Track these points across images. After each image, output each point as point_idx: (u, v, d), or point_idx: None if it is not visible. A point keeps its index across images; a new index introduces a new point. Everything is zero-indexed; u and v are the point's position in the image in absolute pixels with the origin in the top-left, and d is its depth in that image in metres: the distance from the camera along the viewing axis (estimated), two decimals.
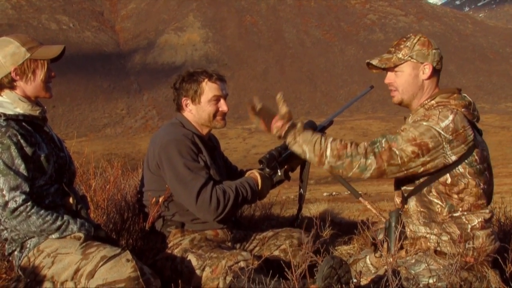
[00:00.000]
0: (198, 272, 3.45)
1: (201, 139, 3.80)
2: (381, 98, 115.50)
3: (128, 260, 2.97)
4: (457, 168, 3.20)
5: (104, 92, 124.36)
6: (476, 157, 3.23)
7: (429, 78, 3.38)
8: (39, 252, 3.12)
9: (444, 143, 3.13)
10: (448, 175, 3.21)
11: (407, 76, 3.41)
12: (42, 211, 3.11)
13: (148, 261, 3.59)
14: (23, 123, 3.23)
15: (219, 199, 3.52)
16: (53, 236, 3.15)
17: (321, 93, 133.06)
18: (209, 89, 3.80)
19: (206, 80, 3.81)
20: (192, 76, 3.84)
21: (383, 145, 3.17)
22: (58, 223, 3.15)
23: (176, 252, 3.61)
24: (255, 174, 3.84)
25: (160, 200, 3.69)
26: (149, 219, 3.75)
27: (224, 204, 3.54)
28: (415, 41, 3.40)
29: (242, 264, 3.34)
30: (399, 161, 3.13)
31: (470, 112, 3.32)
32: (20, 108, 3.23)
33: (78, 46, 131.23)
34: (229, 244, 3.81)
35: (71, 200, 3.37)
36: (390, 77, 3.49)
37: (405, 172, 3.19)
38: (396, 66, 3.44)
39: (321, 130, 4.14)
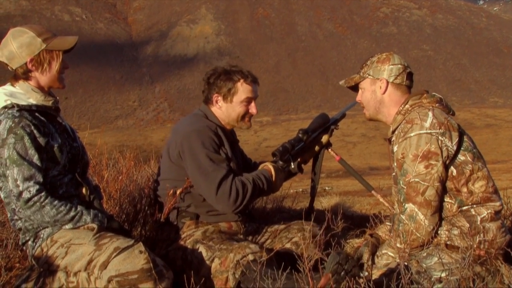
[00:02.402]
0: (207, 263, 3.46)
1: (224, 131, 3.80)
2: None
3: (141, 252, 2.98)
4: (457, 157, 3.26)
5: (116, 84, 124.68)
6: (469, 142, 3.32)
7: (385, 92, 3.50)
8: (53, 242, 3.14)
9: (439, 137, 3.20)
10: (452, 167, 3.25)
11: (366, 92, 3.58)
12: (56, 202, 3.12)
13: (161, 252, 3.60)
14: (36, 114, 3.24)
15: (238, 191, 3.52)
16: (67, 226, 3.17)
17: (333, 87, 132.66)
18: (243, 90, 3.78)
19: (241, 80, 3.78)
20: (228, 74, 3.81)
21: (403, 186, 3.26)
22: (72, 213, 3.16)
23: (188, 243, 3.62)
24: (269, 166, 3.84)
25: (178, 192, 3.69)
26: (164, 210, 3.76)
27: (242, 197, 3.54)
28: (374, 59, 3.55)
29: (250, 257, 3.34)
30: (426, 183, 3.19)
31: (444, 106, 3.43)
32: (33, 98, 3.25)
33: (90, 38, 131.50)
34: (241, 236, 3.82)
35: (84, 190, 3.39)
36: (358, 95, 3.66)
37: (440, 185, 3.22)
38: (357, 84, 3.62)
39: (334, 123, 4.18)
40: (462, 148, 3.27)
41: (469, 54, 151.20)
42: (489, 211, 3.25)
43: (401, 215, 3.25)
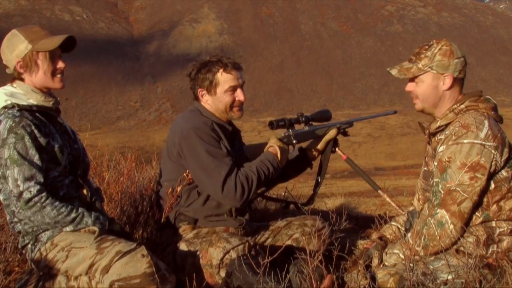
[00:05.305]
0: (189, 259, 3.44)
1: (220, 126, 3.76)
2: (399, 90, 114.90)
3: (143, 256, 2.97)
4: (500, 172, 3.20)
5: (118, 84, 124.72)
6: None
7: (449, 88, 3.36)
8: (53, 245, 3.13)
9: (492, 150, 3.12)
10: (492, 181, 3.20)
11: (426, 86, 3.40)
12: (57, 203, 3.12)
13: (158, 257, 3.58)
14: (37, 114, 3.25)
15: (244, 186, 3.50)
16: (67, 228, 3.16)
17: (338, 86, 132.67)
18: (224, 80, 3.73)
19: (221, 70, 3.73)
20: (206, 66, 3.77)
21: (441, 190, 3.18)
22: (73, 215, 3.16)
23: (178, 245, 3.60)
24: (275, 147, 3.80)
25: (178, 189, 3.66)
26: (164, 211, 3.74)
27: (248, 190, 3.52)
28: (436, 50, 3.36)
29: (233, 254, 3.32)
30: (466, 195, 3.12)
31: (497, 114, 3.34)
32: (33, 99, 3.25)
33: (91, 38, 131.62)
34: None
35: (85, 191, 3.38)
36: (410, 85, 3.49)
37: (478, 199, 3.17)
38: (416, 76, 3.43)
39: (345, 123, 4.18)
40: (507, 164, 3.21)
41: (475, 53, 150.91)
42: (510, 226, 3.22)
43: (430, 218, 3.19)
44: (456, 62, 3.33)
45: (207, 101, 3.79)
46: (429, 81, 3.38)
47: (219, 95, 3.75)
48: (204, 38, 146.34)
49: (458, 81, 3.38)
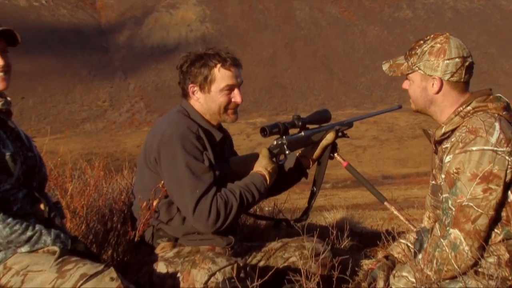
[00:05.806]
0: (168, 280, 3.45)
1: (207, 133, 3.76)
2: None
3: (112, 279, 2.95)
4: None
5: (83, 81, 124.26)
6: None
7: (438, 92, 3.38)
8: (6, 269, 3.10)
9: (506, 156, 3.13)
10: (509, 192, 3.20)
11: (415, 87, 3.47)
12: (10, 219, 3.10)
13: (132, 278, 3.57)
14: None
15: (219, 211, 3.49)
16: (23, 249, 3.13)
17: (339, 81, 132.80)
18: (221, 77, 3.74)
19: (219, 65, 3.74)
20: (201, 59, 3.77)
21: (451, 207, 3.17)
22: (29, 233, 3.14)
23: (155, 265, 3.60)
24: (262, 172, 3.79)
25: (154, 203, 3.66)
26: (139, 226, 3.73)
27: (224, 217, 3.51)
28: (426, 48, 3.39)
29: (219, 277, 3.33)
30: (480, 210, 3.11)
31: (511, 114, 3.34)
32: None
33: (52, 27, 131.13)
34: None
35: (42, 206, 3.36)
36: (405, 83, 3.55)
37: (494, 214, 3.16)
38: (406, 74, 3.48)
39: (342, 124, 4.21)
40: None
41: (497, 42, 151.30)
42: None
43: (442, 240, 3.19)
44: (447, 63, 3.33)
45: (198, 99, 3.80)
46: (418, 82, 3.44)
47: (213, 94, 3.76)
48: (184, 27, 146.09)
49: (453, 85, 3.38)
